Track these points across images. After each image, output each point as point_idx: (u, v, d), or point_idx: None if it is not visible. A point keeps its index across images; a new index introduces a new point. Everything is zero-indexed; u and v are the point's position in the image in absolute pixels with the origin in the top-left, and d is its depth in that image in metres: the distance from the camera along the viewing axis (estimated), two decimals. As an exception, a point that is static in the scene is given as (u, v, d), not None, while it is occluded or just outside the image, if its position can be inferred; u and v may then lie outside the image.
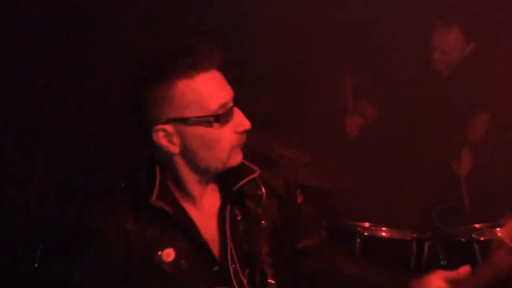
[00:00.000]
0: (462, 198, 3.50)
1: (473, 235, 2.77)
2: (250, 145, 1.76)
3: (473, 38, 3.50)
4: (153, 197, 1.69)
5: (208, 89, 1.67)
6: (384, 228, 2.90)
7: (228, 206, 1.79)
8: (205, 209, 1.79)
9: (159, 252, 1.69)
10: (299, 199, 1.99)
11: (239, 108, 1.74)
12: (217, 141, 1.69)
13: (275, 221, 1.85)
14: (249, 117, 1.74)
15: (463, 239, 2.83)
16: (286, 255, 1.88)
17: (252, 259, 1.77)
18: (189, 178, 1.75)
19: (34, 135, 3.49)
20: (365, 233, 2.86)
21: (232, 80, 1.74)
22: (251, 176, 1.80)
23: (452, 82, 3.65)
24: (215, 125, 1.67)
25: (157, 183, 1.72)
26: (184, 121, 1.66)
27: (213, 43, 1.71)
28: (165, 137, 1.69)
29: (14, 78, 3.39)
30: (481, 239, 2.76)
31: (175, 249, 1.70)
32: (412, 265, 2.86)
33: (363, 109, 3.85)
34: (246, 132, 1.74)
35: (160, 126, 1.68)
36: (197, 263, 1.72)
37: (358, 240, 2.83)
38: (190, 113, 1.66)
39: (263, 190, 1.86)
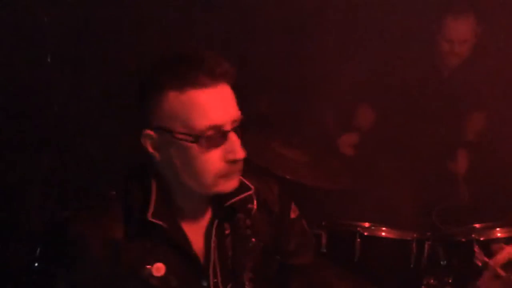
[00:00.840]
0: (461, 198, 3.51)
1: (473, 235, 2.76)
2: (249, 154, 1.68)
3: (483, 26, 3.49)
4: (149, 214, 1.64)
5: (200, 106, 1.57)
6: (384, 228, 2.89)
7: (216, 221, 1.75)
8: (195, 223, 1.75)
9: (148, 266, 1.64)
10: (293, 215, 1.95)
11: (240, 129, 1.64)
12: (200, 164, 1.60)
13: (264, 238, 1.82)
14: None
15: (463, 239, 2.83)
16: (274, 271, 1.86)
17: (235, 274, 1.74)
18: (180, 193, 1.70)
19: (33, 135, 3.49)
20: (365, 233, 2.85)
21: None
22: (245, 194, 1.76)
23: (451, 82, 3.65)
24: (196, 146, 1.58)
25: (152, 199, 1.66)
26: (170, 132, 1.60)
27: (224, 55, 1.63)
28: (151, 143, 1.65)
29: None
30: (481, 239, 2.75)
31: (165, 264, 1.66)
32: (412, 265, 2.85)
33: (359, 119, 3.83)
34: (238, 161, 1.64)
35: (148, 131, 1.64)
36: (187, 279, 1.69)
37: (358, 240, 2.82)
38: (175, 126, 1.59)
39: (255, 205, 1.81)
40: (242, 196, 1.76)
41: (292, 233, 1.94)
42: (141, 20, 3.51)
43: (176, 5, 3.61)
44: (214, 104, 1.58)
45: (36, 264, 3.14)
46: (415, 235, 2.91)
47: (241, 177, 1.73)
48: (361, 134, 3.81)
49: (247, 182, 1.78)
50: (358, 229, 2.85)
